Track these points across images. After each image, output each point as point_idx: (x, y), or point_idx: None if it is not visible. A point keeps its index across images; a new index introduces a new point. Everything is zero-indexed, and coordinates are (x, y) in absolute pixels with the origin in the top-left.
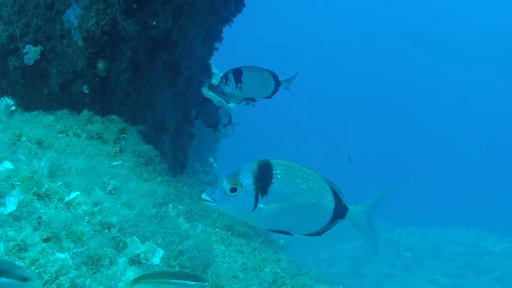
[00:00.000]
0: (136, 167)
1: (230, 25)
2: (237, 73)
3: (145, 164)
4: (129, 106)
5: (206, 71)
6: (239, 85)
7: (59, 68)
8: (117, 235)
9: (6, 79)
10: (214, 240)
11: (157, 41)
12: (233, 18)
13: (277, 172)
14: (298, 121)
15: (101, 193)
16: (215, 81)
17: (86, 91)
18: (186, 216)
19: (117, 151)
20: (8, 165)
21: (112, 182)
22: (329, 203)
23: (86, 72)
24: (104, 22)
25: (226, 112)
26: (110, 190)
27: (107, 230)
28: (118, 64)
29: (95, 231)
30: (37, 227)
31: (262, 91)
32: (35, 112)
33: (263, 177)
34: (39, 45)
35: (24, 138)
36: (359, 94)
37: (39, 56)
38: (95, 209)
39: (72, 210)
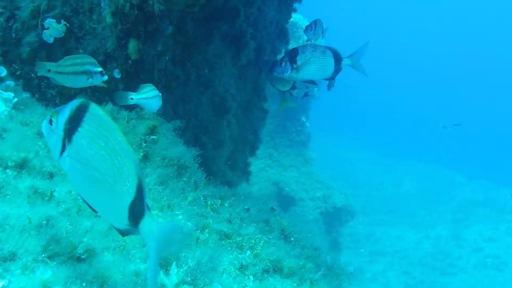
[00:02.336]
0: (159, 185)
1: None
2: (292, 54)
3: (176, 176)
4: (176, 89)
5: (282, 37)
6: (294, 66)
7: (88, 48)
8: None
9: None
10: None
11: (214, 9)
12: None
13: (88, 121)
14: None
15: (50, 273)
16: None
17: (118, 76)
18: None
19: (139, 159)
20: None
21: (85, 239)
22: (127, 195)
23: (118, 53)
24: None
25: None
26: (78, 257)
27: None
28: (153, 45)
29: None
30: None
31: (322, 72)
32: (42, 109)
33: (74, 120)
34: (62, 21)
35: None
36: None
37: (64, 34)
38: None
39: None
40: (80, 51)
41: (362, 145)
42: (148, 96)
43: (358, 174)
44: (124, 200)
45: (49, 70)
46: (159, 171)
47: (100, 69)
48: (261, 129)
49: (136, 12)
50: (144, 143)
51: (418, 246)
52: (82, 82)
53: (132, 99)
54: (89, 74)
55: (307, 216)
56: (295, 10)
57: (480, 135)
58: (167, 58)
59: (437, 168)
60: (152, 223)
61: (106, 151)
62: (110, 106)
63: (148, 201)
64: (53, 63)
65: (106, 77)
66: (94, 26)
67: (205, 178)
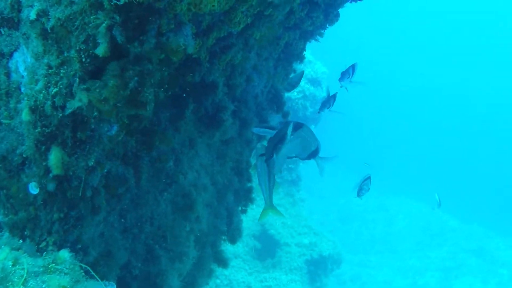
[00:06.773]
0: None
1: (317, 40)
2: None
3: None
4: (125, 195)
5: (276, 103)
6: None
7: (1, 145)
8: None
9: None
10: None
11: (186, 86)
12: (322, 32)
13: None
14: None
15: None
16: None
17: (34, 192)
18: None
19: None
20: None
21: None
22: None
23: (36, 161)
24: (56, 89)
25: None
26: None
27: None
28: (85, 156)
29: None
30: None
31: None
32: None
33: None
34: None
35: None
36: None
37: None
38: None
39: None
40: None
41: (354, 175)
42: None
43: (351, 206)
44: None
45: None
46: None
47: None
48: (237, 215)
49: (61, 114)
50: None
51: None
52: None
53: None
54: None
55: (291, 263)
56: (295, 71)
57: (478, 178)
58: (105, 171)
59: (431, 209)
60: None
61: None
62: (6, 251)
63: None
64: None
65: None
66: (10, 116)
67: None
